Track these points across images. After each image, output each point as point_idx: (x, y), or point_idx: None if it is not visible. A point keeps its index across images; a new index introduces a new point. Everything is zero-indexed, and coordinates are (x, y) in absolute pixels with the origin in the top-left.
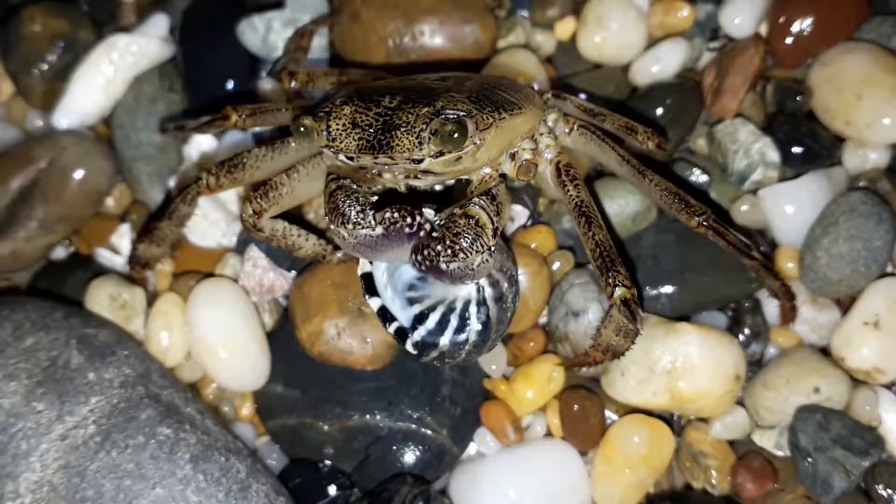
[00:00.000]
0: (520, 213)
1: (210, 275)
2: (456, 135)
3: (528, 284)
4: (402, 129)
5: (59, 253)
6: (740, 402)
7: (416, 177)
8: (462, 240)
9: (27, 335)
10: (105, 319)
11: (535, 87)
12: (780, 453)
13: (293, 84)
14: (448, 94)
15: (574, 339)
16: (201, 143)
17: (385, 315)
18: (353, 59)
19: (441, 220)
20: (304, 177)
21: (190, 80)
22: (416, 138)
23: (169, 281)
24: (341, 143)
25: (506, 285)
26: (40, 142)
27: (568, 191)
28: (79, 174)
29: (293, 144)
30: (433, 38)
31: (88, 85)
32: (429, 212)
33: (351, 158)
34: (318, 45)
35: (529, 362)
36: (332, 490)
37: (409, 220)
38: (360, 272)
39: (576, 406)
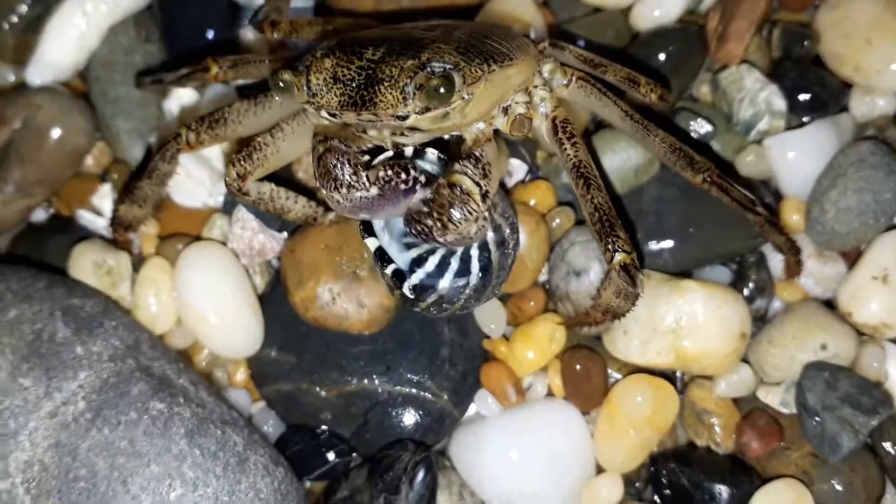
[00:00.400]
0: (517, 168)
1: (197, 238)
2: (442, 90)
3: (526, 243)
4: (386, 84)
5: (39, 215)
6: (745, 359)
7: (402, 134)
8: (451, 210)
9: (9, 307)
10: (90, 288)
11: (532, 36)
12: (785, 410)
13: (275, 35)
14: (434, 44)
15: (576, 298)
16: (182, 97)
17: (382, 256)
18: (339, 4)
19: (439, 168)
20: (289, 135)
21: (167, 30)
22: (401, 93)
23: (155, 244)
24: (322, 98)
25: (507, 230)
26: (13, 100)
27: (565, 149)
28: (55, 134)
29: (277, 99)
30: None
31: (61, 38)
32: (430, 156)
33: (333, 115)
34: None
35: (529, 322)
36: (331, 456)
37: (403, 175)
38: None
39: (578, 366)
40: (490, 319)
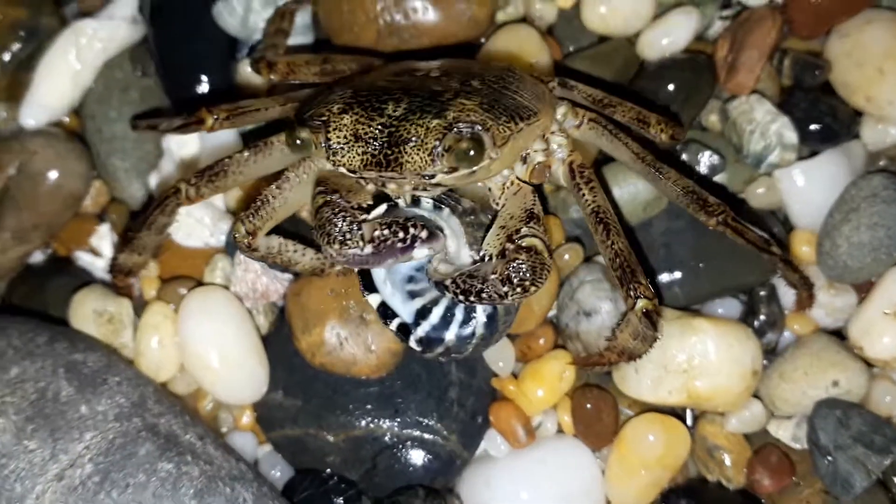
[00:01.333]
0: None
1: (199, 282)
2: (472, 152)
3: None
4: (412, 145)
5: (37, 257)
6: (756, 394)
7: (424, 188)
8: (530, 275)
9: (11, 364)
10: (92, 340)
11: (543, 80)
12: (797, 446)
13: (273, 76)
14: (457, 100)
15: (586, 339)
16: (182, 136)
17: (386, 312)
18: (340, 39)
19: (488, 256)
20: (295, 185)
21: (164, 67)
22: (429, 155)
23: (156, 286)
24: (343, 157)
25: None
26: (8, 146)
27: (583, 195)
28: (52, 180)
29: (278, 145)
30: (426, 15)
31: (54, 77)
32: (426, 204)
33: (353, 171)
34: (301, 23)
35: (539, 359)
36: (340, 502)
37: (400, 234)
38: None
39: (588, 405)
40: (499, 357)
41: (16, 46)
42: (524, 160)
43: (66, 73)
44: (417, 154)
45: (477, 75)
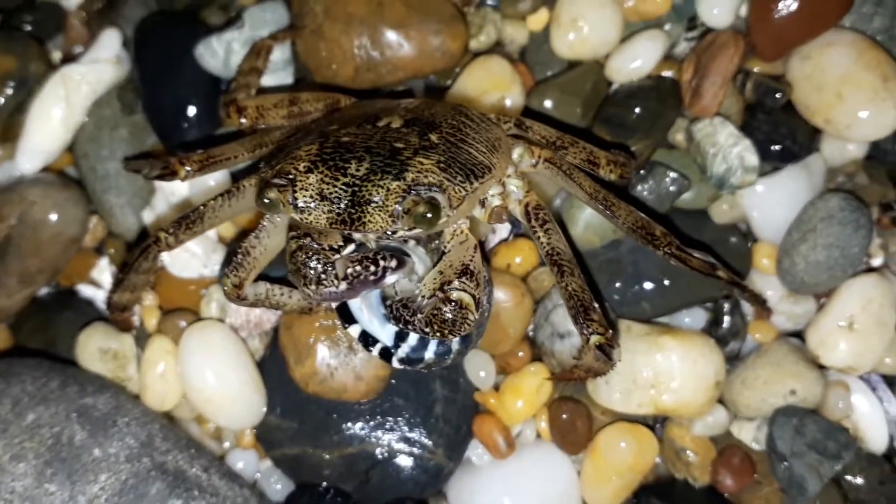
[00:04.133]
0: (500, 227)
1: (196, 313)
2: (429, 215)
3: (509, 314)
4: (374, 206)
5: (43, 290)
6: (719, 399)
7: (387, 238)
8: (450, 324)
9: (27, 411)
10: (100, 381)
11: (499, 121)
12: (757, 447)
13: (243, 120)
14: (416, 158)
15: (560, 357)
16: None
17: (367, 339)
18: (319, 75)
19: (422, 296)
20: (272, 231)
21: (150, 104)
22: (389, 216)
23: (156, 317)
24: (310, 215)
25: (483, 297)
26: (8, 198)
27: (538, 237)
28: (51, 227)
29: (249, 188)
30: (402, 50)
31: (46, 122)
32: (410, 245)
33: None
34: (281, 58)
35: (518, 373)
36: None
37: (371, 268)
38: (333, 304)
39: (564, 415)
40: (480, 372)
41: (8, 94)
42: (482, 204)
43: (56, 117)
44: (379, 215)
45: (436, 126)
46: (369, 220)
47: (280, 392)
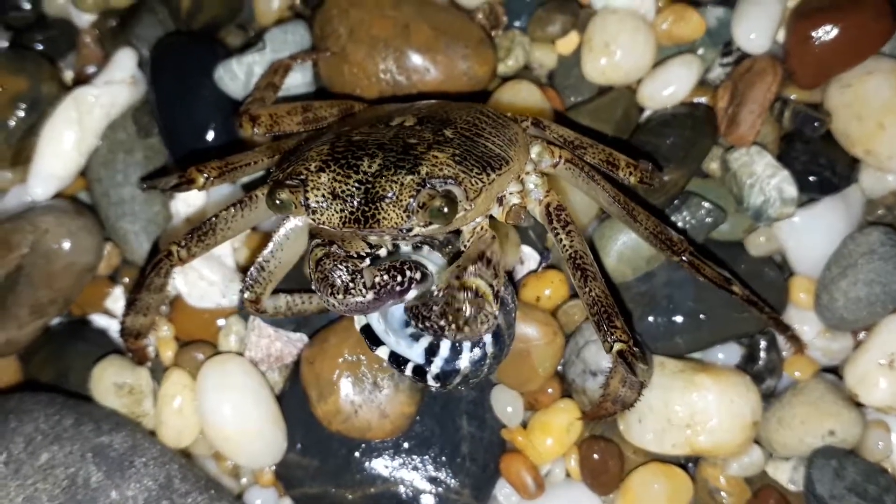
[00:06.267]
0: (529, 256)
1: (215, 345)
2: (446, 209)
3: (540, 353)
4: (388, 201)
5: (55, 320)
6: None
7: (403, 238)
8: (467, 315)
9: (41, 450)
10: (115, 417)
11: (517, 119)
12: (793, 488)
13: (256, 130)
14: (430, 153)
15: (592, 396)
16: (188, 197)
17: (398, 360)
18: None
19: (438, 290)
20: (286, 244)
21: (167, 128)
22: (404, 211)
23: (173, 348)
24: (322, 215)
25: (502, 288)
26: (19, 226)
27: (560, 239)
28: (64, 256)
29: (262, 197)
30: (428, 75)
31: (58, 146)
32: (405, 247)
33: (333, 227)
34: (303, 81)
35: (547, 409)
36: None
37: (399, 277)
38: (357, 327)
39: (595, 455)
40: (508, 408)
41: (19, 116)
42: (500, 202)
43: (69, 141)
44: (393, 210)
45: (450, 123)
46: (383, 217)
47: (301, 428)
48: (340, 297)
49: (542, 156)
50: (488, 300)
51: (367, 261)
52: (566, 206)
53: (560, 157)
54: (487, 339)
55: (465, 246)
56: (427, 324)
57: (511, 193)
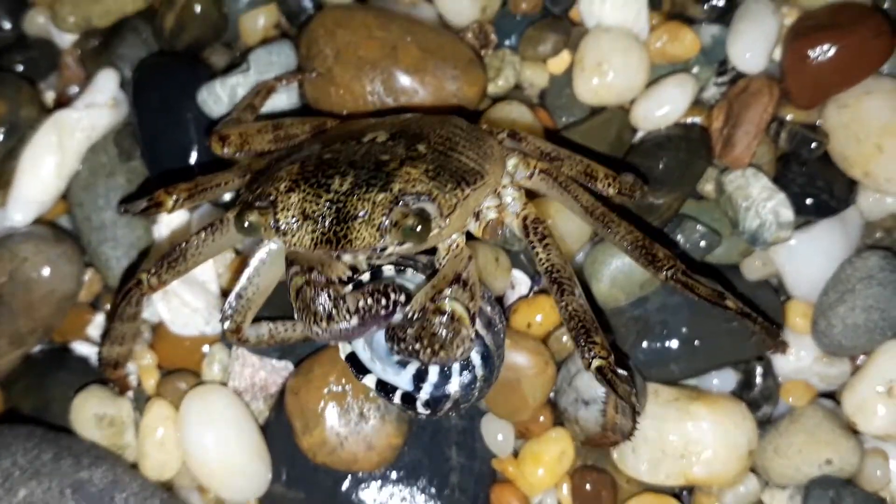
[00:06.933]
0: (520, 281)
1: (198, 374)
2: (419, 228)
3: (531, 382)
4: (360, 221)
5: (35, 347)
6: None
7: (378, 258)
8: (443, 338)
9: (18, 486)
10: (96, 450)
11: (493, 131)
12: None
13: (227, 150)
14: (403, 169)
15: (584, 424)
16: (171, 220)
17: (385, 388)
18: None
19: (413, 312)
20: (263, 268)
21: (149, 151)
22: (377, 230)
23: (155, 377)
24: (293, 237)
25: (489, 308)
26: None
27: (537, 252)
28: (44, 285)
29: (232, 219)
30: (416, 96)
31: (38, 171)
32: (388, 270)
33: (305, 249)
34: (289, 102)
35: (538, 438)
36: None
37: (383, 301)
38: (342, 355)
39: (588, 485)
40: (498, 436)
41: None
42: (477, 217)
43: (49, 166)
44: (366, 230)
45: (423, 137)
46: (356, 237)
47: (286, 459)
48: (324, 324)
49: (518, 168)
50: (465, 324)
51: (350, 286)
52: (544, 220)
53: (535, 167)
54: (477, 361)
55: (440, 264)
56: (402, 346)
57: (488, 208)
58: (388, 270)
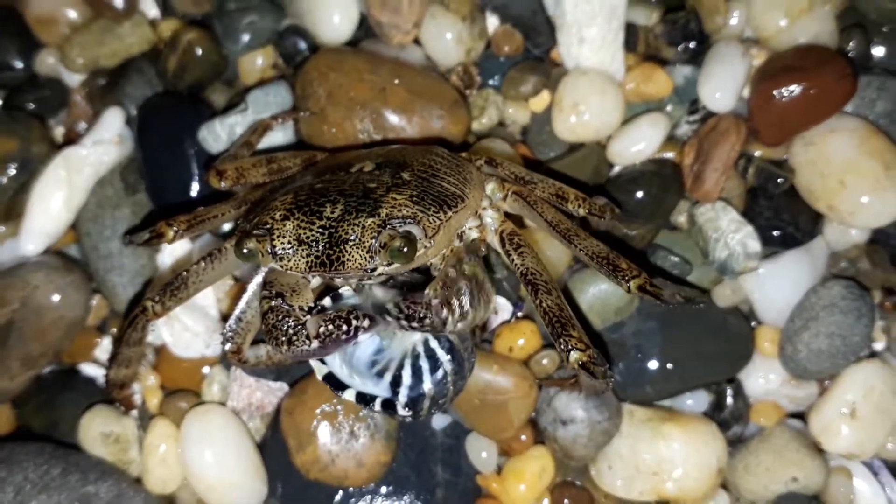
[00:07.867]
0: (503, 307)
1: (198, 394)
2: (405, 248)
3: (516, 405)
4: (351, 244)
5: (46, 369)
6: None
7: (369, 278)
8: (468, 299)
9: (30, 499)
10: (102, 466)
11: (471, 159)
12: None
13: (223, 184)
14: (389, 195)
15: (563, 443)
16: (174, 250)
17: (364, 398)
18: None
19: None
20: (258, 294)
21: (153, 185)
22: (367, 252)
23: (158, 397)
24: (289, 261)
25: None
26: (10, 281)
27: (513, 259)
28: (54, 312)
29: (230, 248)
30: (404, 134)
31: (48, 204)
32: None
33: (301, 272)
34: (285, 139)
35: (521, 455)
36: None
37: (343, 327)
38: (319, 377)
39: (566, 500)
40: (482, 453)
41: (10, 175)
42: (460, 237)
43: (58, 200)
44: (357, 252)
45: (407, 166)
46: (347, 259)
47: (281, 476)
48: (285, 347)
49: (495, 192)
50: (485, 283)
51: (309, 315)
52: (520, 233)
53: (508, 190)
54: (444, 357)
55: (436, 271)
56: (427, 321)
57: (470, 229)
58: (348, 294)
